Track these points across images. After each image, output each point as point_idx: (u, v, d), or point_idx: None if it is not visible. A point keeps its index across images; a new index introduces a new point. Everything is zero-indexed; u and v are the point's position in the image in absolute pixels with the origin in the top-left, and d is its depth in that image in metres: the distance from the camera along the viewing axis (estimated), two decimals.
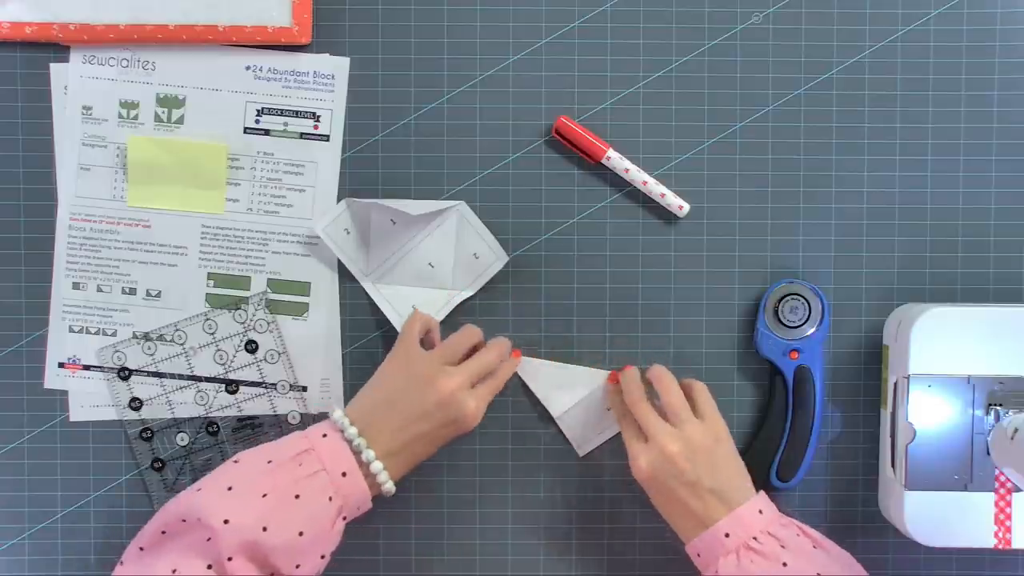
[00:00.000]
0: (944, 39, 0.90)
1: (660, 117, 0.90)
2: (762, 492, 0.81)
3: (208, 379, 0.91)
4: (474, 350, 0.86)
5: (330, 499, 0.77)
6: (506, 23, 0.90)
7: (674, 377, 0.85)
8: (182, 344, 0.91)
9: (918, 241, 0.90)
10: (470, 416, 0.81)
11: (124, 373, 0.91)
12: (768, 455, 0.89)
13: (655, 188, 0.89)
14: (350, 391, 0.91)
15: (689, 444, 0.80)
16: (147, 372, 0.91)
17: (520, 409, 0.91)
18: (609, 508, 0.91)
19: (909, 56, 0.90)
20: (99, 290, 0.90)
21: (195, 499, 0.75)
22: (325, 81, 0.89)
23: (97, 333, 0.91)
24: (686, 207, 0.89)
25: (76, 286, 0.90)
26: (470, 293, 0.90)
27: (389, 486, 0.80)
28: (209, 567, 0.73)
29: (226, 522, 0.73)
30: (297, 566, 0.75)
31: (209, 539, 0.73)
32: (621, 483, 0.91)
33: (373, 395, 0.82)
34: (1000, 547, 0.83)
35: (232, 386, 0.91)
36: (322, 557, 0.77)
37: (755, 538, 0.78)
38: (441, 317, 0.89)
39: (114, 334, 0.91)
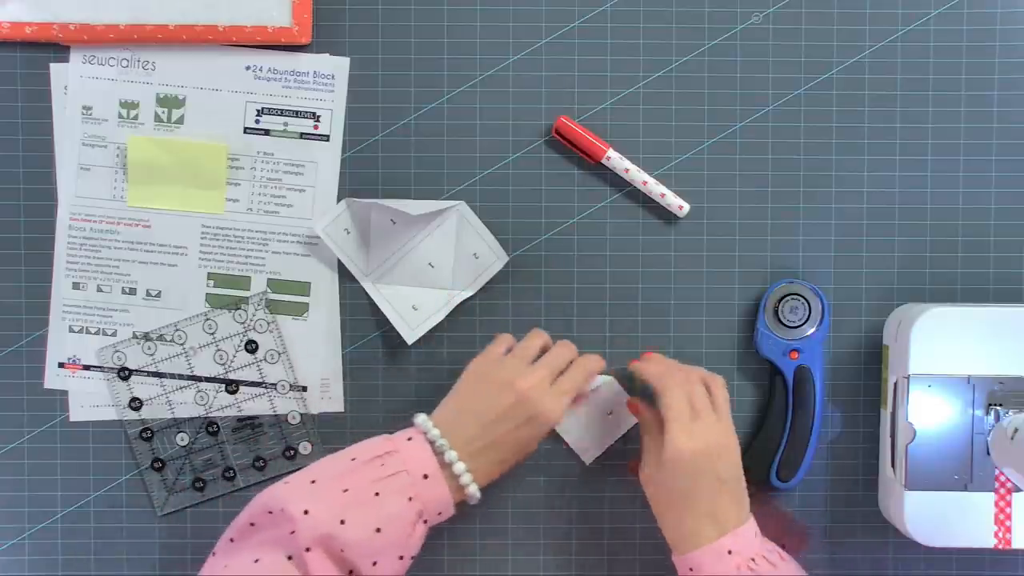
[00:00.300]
0: (944, 39, 0.90)
1: (660, 117, 0.90)
2: (752, 516, 0.81)
3: (208, 379, 0.91)
4: (543, 352, 0.85)
5: (410, 500, 0.76)
6: (506, 23, 0.90)
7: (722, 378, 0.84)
8: (182, 344, 0.91)
9: (918, 241, 0.90)
10: (548, 412, 0.80)
11: (124, 373, 0.91)
12: (768, 455, 0.89)
13: (655, 188, 0.89)
14: (350, 391, 0.91)
15: (732, 441, 0.80)
16: (147, 372, 0.91)
17: None
18: (609, 508, 0.91)
19: (909, 56, 0.90)
20: (99, 290, 0.90)
21: (281, 491, 0.76)
22: (325, 81, 0.90)
23: (97, 333, 0.91)
24: (686, 207, 0.89)
25: (76, 286, 0.90)
26: (470, 293, 0.90)
27: (472, 489, 0.79)
28: (289, 558, 0.73)
29: (306, 512, 0.74)
30: (374, 563, 0.75)
31: (292, 532, 0.74)
32: (621, 484, 0.91)
33: (455, 403, 0.82)
34: (1000, 547, 0.83)
35: (232, 386, 0.91)
36: (401, 558, 0.76)
37: (753, 559, 0.78)
38: (441, 317, 0.89)
39: (114, 334, 0.91)
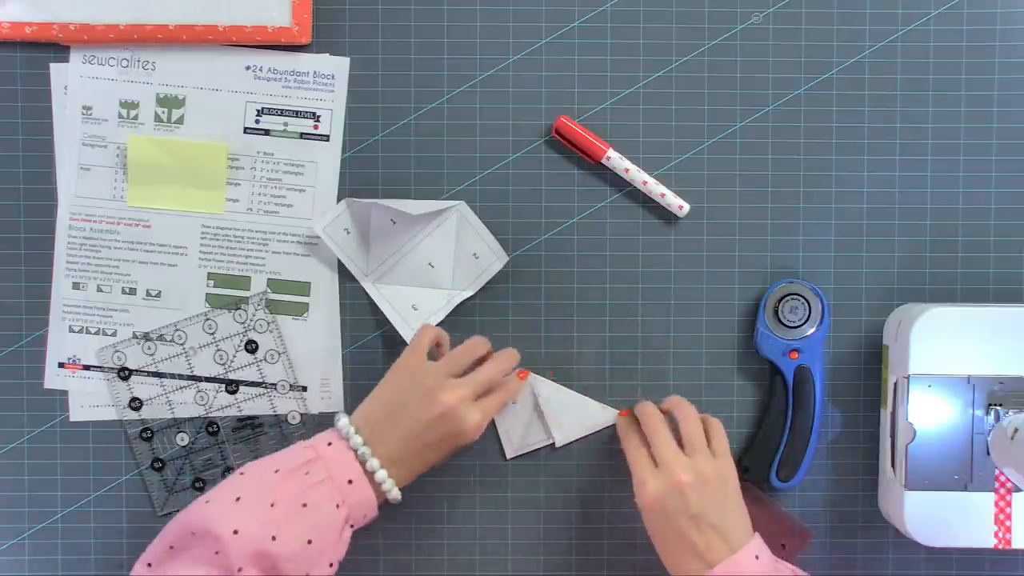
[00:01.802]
0: (944, 39, 0.90)
1: (660, 117, 0.90)
2: (757, 535, 0.80)
3: (208, 379, 0.91)
4: (481, 362, 0.85)
5: (337, 507, 0.77)
6: (506, 23, 0.90)
7: (694, 408, 0.84)
8: (182, 344, 0.91)
9: (918, 241, 0.90)
10: (470, 430, 0.81)
11: (124, 373, 0.91)
12: (768, 455, 0.89)
13: (655, 188, 0.89)
14: (350, 391, 0.91)
15: (700, 476, 0.79)
16: (147, 372, 0.91)
17: None
18: (609, 508, 0.91)
19: (909, 56, 0.90)
20: (99, 290, 0.90)
21: (204, 511, 0.75)
22: (325, 81, 0.90)
23: (97, 333, 0.91)
24: (686, 207, 0.89)
25: (76, 286, 0.90)
26: (470, 293, 0.90)
27: (395, 493, 0.80)
28: None
29: (235, 532, 0.74)
30: (307, 574, 0.76)
31: (218, 552, 0.73)
32: (621, 484, 0.91)
33: (377, 403, 0.82)
34: (1000, 547, 0.83)
35: (232, 386, 0.91)
36: (331, 565, 0.77)
37: None
38: (441, 317, 0.89)
39: (114, 334, 0.91)
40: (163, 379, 0.91)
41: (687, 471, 0.79)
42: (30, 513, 0.91)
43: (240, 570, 0.73)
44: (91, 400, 0.91)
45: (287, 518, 0.75)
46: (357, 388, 0.91)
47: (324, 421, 0.91)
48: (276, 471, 0.77)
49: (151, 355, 0.91)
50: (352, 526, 0.78)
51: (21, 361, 0.91)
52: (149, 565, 0.76)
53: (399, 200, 0.89)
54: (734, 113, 0.90)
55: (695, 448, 0.81)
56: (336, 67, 0.90)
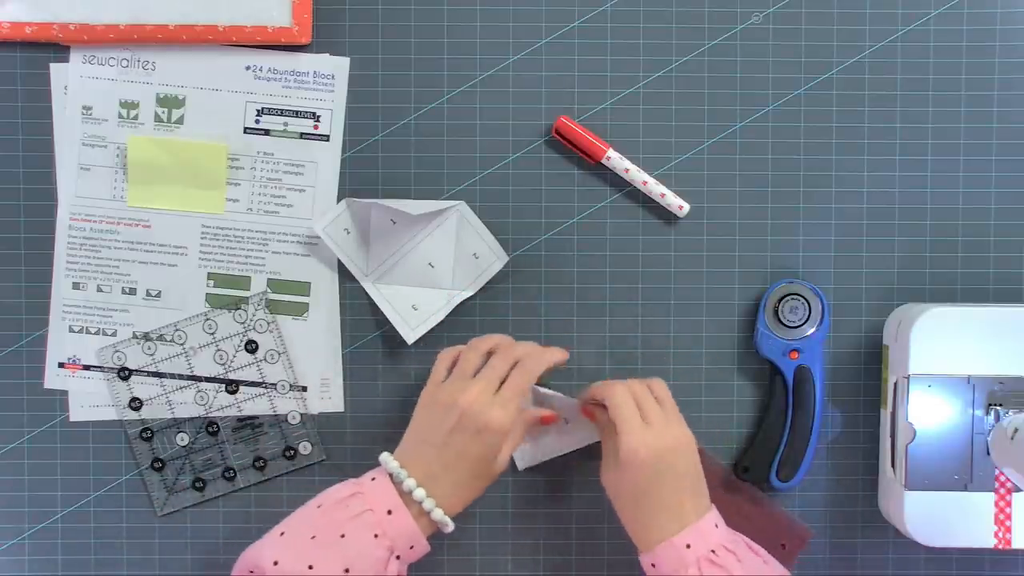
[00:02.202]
0: (944, 39, 0.90)
1: (660, 117, 0.90)
2: (713, 506, 0.81)
3: (208, 379, 0.91)
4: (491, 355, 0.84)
5: (376, 536, 0.77)
6: (506, 23, 0.90)
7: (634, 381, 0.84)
8: (182, 344, 0.91)
9: (918, 241, 0.90)
10: (494, 420, 0.79)
11: (124, 373, 0.91)
12: (768, 455, 0.89)
13: (655, 188, 0.89)
14: (350, 391, 0.91)
15: (686, 438, 0.80)
16: (147, 372, 0.91)
17: None
18: (609, 508, 0.91)
19: (909, 56, 0.90)
20: (99, 290, 0.90)
21: (256, 549, 0.78)
22: (325, 81, 0.90)
23: (97, 333, 0.91)
24: (686, 207, 0.89)
25: (76, 286, 0.90)
26: (470, 293, 0.90)
27: (438, 514, 0.79)
28: None
29: (275, 563, 0.75)
30: None
31: None
32: None
33: (412, 435, 0.82)
34: (1000, 547, 0.83)
35: (232, 386, 0.91)
36: None
37: (713, 551, 0.78)
38: (441, 317, 0.89)
39: (114, 334, 0.91)
40: (163, 379, 0.91)
41: (677, 431, 0.80)
42: (30, 513, 0.91)
43: None
44: (91, 400, 0.91)
45: (324, 547, 0.76)
46: (357, 388, 0.91)
47: (324, 421, 0.91)
48: (319, 506, 0.78)
49: (151, 355, 0.91)
50: (399, 557, 0.78)
51: (21, 361, 0.91)
52: None
53: (399, 200, 0.89)
54: (734, 113, 0.90)
55: (671, 412, 0.82)
56: (336, 67, 0.90)
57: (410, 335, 0.89)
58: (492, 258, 0.89)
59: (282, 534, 0.78)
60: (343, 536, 0.76)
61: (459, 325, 0.90)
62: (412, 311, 0.89)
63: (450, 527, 0.80)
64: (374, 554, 0.77)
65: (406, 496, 0.79)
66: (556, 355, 0.85)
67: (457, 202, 0.89)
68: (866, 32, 0.90)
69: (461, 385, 0.81)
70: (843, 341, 0.91)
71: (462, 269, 0.89)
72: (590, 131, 0.89)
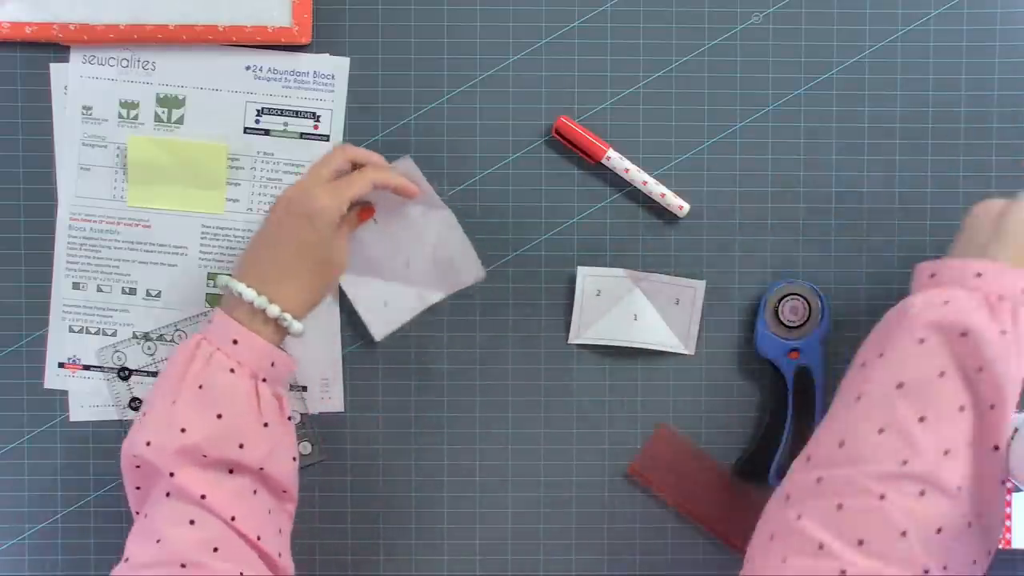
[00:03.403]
0: (944, 39, 0.90)
1: (660, 117, 0.90)
2: None
3: None
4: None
5: (232, 371, 0.76)
6: (506, 23, 0.90)
7: None
8: None
9: (918, 241, 0.90)
10: (320, 200, 0.79)
11: (124, 373, 0.91)
12: (768, 455, 0.89)
13: (655, 188, 0.89)
14: (350, 391, 0.91)
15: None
16: (147, 372, 0.91)
17: (520, 409, 0.91)
18: (609, 507, 0.91)
19: (909, 56, 0.90)
20: (99, 290, 0.90)
21: (127, 441, 0.76)
22: (325, 81, 0.90)
23: (97, 333, 0.91)
24: (686, 207, 0.89)
25: (76, 286, 0.90)
26: (442, 296, 0.89)
27: (274, 310, 0.78)
28: (168, 495, 0.74)
29: (148, 444, 0.74)
30: (241, 445, 0.75)
31: (146, 470, 0.74)
32: (621, 483, 0.91)
33: (249, 245, 0.82)
34: (1000, 547, 0.83)
35: None
36: (265, 425, 0.76)
37: (1001, 297, 0.68)
38: (410, 317, 0.89)
39: (114, 334, 0.91)
40: None
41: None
42: (30, 513, 0.91)
43: (172, 475, 0.73)
44: (91, 400, 0.91)
45: (189, 406, 0.75)
46: (357, 388, 0.91)
47: (324, 421, 0.91)
48: (171, 372, 0.77)
49: (151, 355, 0.91)
50: (264, 380, 0.77)
51: (21, 361, 0.91)
52: (137, 513, 0.77)
53: (383, 197, 0.88)
54: (734, 113, 0.90)
55: None
56: (336, 67, 0.90)
57: (379, 330, 0.89)
58: (469, 269, 0.89)
59: (145, 414, 0.76)
60: (201, 387, 0.75)
61: (459, 325, 0.90)
62: (383, 307, 0.89)
63: (297, 328, 0.79)
64: (238, 388, 0.76)
65: (247, 315, 0.78)
66: (402, 183, 0.84)
67: (443, 208, 0.88)
68: (866, 32, 0.90)
69: (298, 182, 0.81)
70: (843, 341, 0.90)
71: (437, 272, 0.89)
72: (590, 131, 0.89)
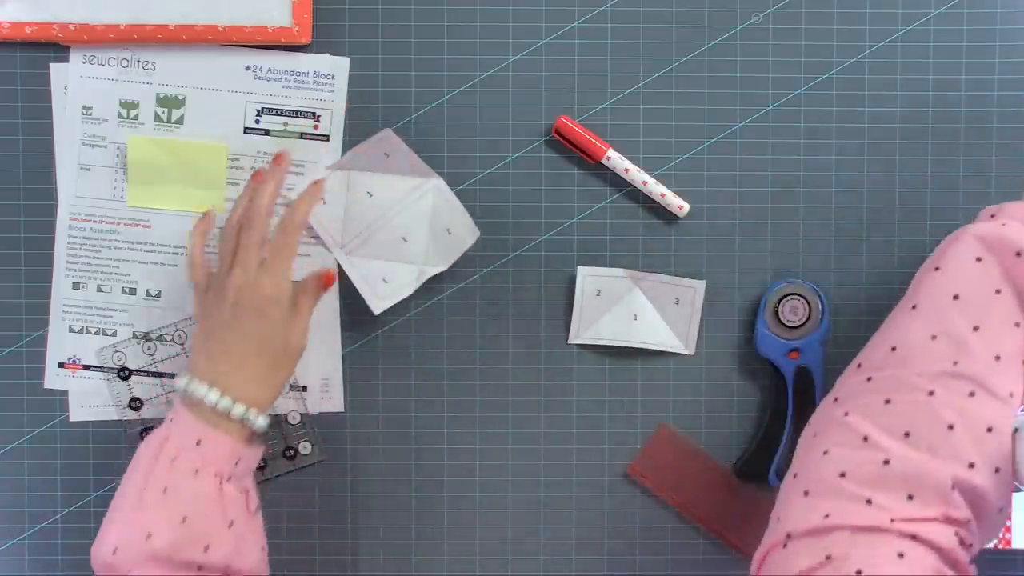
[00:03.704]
0: (944, 39, 0.90)
1: (660, 117, 0.90)
2: None
3: None
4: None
5: (196, 472, 0.76)
6: (506, 23, 0.90)
7: None
8: (182, 344, 0.91)
9: (918, 241, 0.90)
10: (267, 289, 0.78)
11: (124, 373, 0.91)
12: (768, 455, 0.89)
13: (655, 188, 0.89)
14: (350, 391, 0.91)
15: None
16: (147, 372, 0.91)
17: (520, 409, 0.91)
18: (609, 508, 0.91)
19: (909, 56, 0.90)
20: (99, 290, 0.90)
21: (95, 547, 0.76)
22: (325, 81, 0.90)
23: (97, 333, 0.91)
24: (686, 207, 0.89)
25: (76, 286, 0.90)
26: (442, 268, 0.89)
27: (238, 410, 0.77)
28: None
29: (115, 552, 0.74)
30: (206, 548, 0.75)
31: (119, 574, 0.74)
32: (621, 483, 0.91)
33: (197, 345, 0.81)
34: (1000, 547, 0.83)
35: None
36: (231, 524, 0.76)
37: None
38: (410, 291, 0.89)
39: (114, 334, 0.91)
40: (163, 379, 0.91)
41: None
42: (30, 513, 0.91)
43: None
44: (91, 400, 0.91)
45: (154, 510, 0.74)
46: (357, 388, 0.91)
47: (324, 421, 0.91)
48: (136, 472, 0.77)
49: (151, 355, 0.91)
50: (229, 478, 0.77)
51: (21, 361, 0.91)
52: None
53: (377, 174, 0.88)
54: (734, 113, 0.90)
55: None
56: (336, 67, 0.90)
57: (377, 305, 0.88)
58: (464, 234, 0.89)
59: (112, 513, 0.76)
60: (166, 490, 0.75)
61: (459, 325, 0.90)
62: (383, 284, 0.89)
63: (261, 423, 0.79)
64: (202, 490, 0.76)
65: (210, 414, 0.77)
66: (308, 199, 0.84)
67: (434, 177, 0.88)
68: (866, 32, 0.90)
69: (224, 272, 0.80)
70: (843, 341, 0.90)
71: (435, 245, 0.89)
72: (590, 131, 0.89)
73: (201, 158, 0.89)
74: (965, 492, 0.63)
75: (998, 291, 0.68)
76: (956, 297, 0.68)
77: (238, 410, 0.78)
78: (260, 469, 0.91)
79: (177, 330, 0.91)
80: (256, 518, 0.80)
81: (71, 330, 0.91)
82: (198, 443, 0.76)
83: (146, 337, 0.91)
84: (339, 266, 0.90)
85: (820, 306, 0.89)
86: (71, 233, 0.90)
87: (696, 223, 0.90)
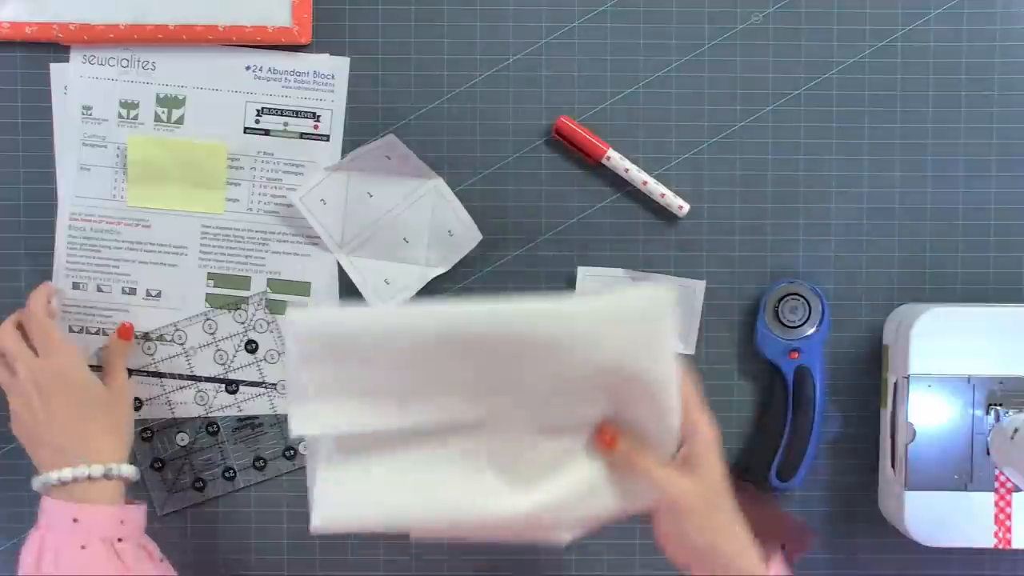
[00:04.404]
0: (944, 39, 0.90)
1: (660, 117, 0.90)
2: None
3: (208, 379, 0.91)
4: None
5: (83, 548, 0.76)
6: (506, 23, 0.90)
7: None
8: (182, 344, 0.91)
9: (918, 241, 0.90)
10: (60, 361, 0.80)
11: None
12: (768, 455, 0.89)
13: (655, 188, 0.89)
14: None
15: None
16: (147, 372, 0.91)
17: None
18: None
19: (909, 56, 0.90)
20: (99, 290, 0.90)
21: None
22: (325, 81, 0.90)
23: (97, 333, 0.91)
24: (686, 207, 0.89)
25: (76, 286, 0.90)
26: (443, 270, 0.89)
27: (97, 470, 0.78)
28: None
29: None
30: None
31: None
32: None
33: (29, 446, 0.82)
34: (1000, 547, 0.83)
35: (232, 386, 0.91)
36: None
37: None
38: (412, 292, 0.89)
39: None
40: (163, 379, 0.91)
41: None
42: (30, 513, 0.91)
43: None
44: None
45: None
46: None
47: None
48: None
49: (151, 355, 0.91)
50: (120, 539, 0.77)
51: None
52: None
53: (377, 174, 0.88)
54: (734, 113, 0.90)
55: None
56: (336, 67, 0.90)
57: (379, 305, 0.89)
58: (466, 236, 0.89)
59: None
60: None
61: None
62: (384, 285, 0.89)
63: (129, 471, 0.80)
64: (96, 562, 0.76)
65: (76, 488, 0.78)
66: (42, 292, 0.85)
67: (434, 178, 0.88)
68: (866, 32, 0.90)
69: (8, 376, 0.81)
70: (843, 341, 0.91)
71: (436, 246, 0.89)
72: (590, 131, 0.89)
73: (201, 158, 0.89)
74: None
75: None
76: None
77: (97, 469, 0.78)
78: (260, 469, 0.91)
79: (177, 330, 0.91)
80: (164, 566, 0.80)
81: (71, 330, 0.91)
82: (75, 520, 0.77)
83: (146, 337, 0.91)
84: (339, 266, 0.90)
85: (820, 306, 0.89)
86: (71, 233, 0.90)
87: (696, 223, 0.90)
